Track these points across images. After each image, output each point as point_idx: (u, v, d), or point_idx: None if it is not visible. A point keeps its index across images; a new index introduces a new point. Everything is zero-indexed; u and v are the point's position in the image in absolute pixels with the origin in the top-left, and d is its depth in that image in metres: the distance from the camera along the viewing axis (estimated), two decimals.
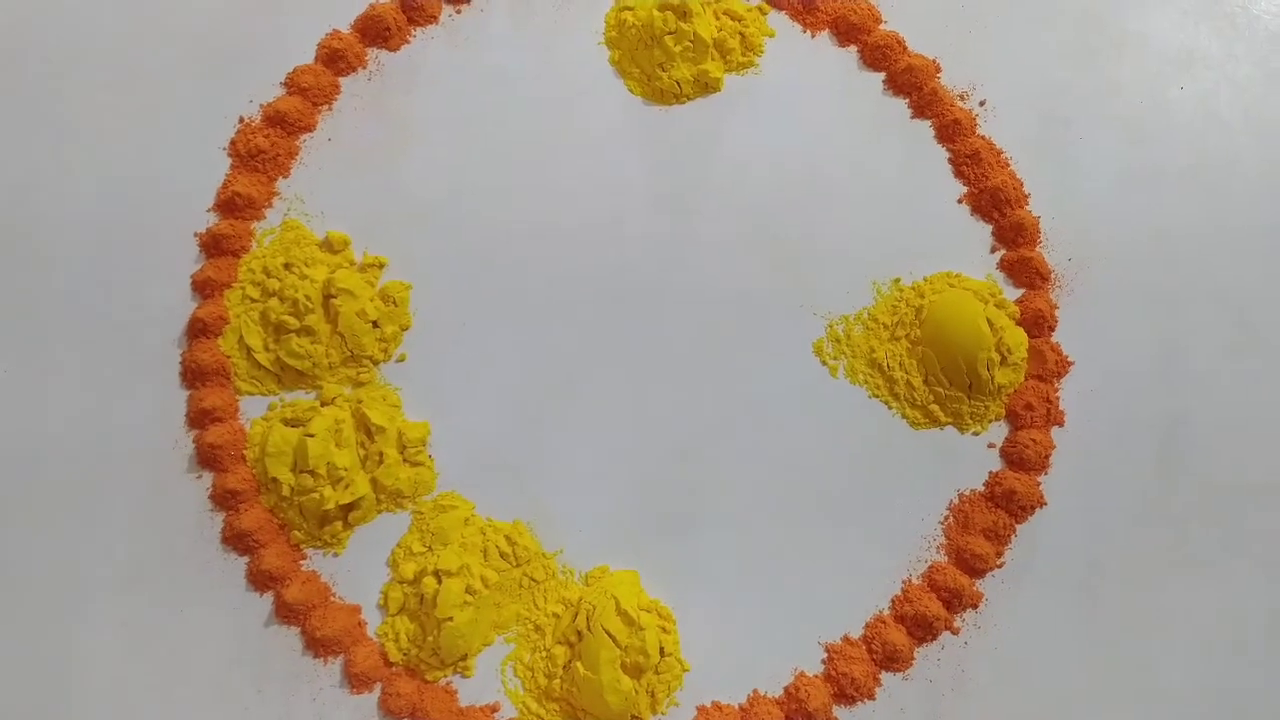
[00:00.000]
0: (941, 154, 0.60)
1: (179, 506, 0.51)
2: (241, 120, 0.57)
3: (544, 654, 0.49)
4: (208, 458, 0.51)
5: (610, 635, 0.47)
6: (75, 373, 0.53)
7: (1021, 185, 0.58)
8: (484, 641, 0.49)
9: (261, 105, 0.58)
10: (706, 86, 0.60)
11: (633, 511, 0.52)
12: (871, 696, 0.49)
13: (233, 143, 0.57)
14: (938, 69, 0.61)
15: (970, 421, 0.54)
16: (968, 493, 0.53)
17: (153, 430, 0.52)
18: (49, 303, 0.54)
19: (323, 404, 0.52)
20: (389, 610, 0.50)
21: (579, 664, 0.47)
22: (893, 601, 0.51)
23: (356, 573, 0.51)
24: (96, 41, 0.59)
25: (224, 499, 0.51)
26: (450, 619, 0.48)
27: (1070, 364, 0.55)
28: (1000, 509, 0.52)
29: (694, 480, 0.52)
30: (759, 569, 0.51)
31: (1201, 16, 0.64)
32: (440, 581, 0.49)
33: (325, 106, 0.59)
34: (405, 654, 0.49)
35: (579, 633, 0.48)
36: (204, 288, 0.54)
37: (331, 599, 0.50)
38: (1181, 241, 0.58)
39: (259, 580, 0.50)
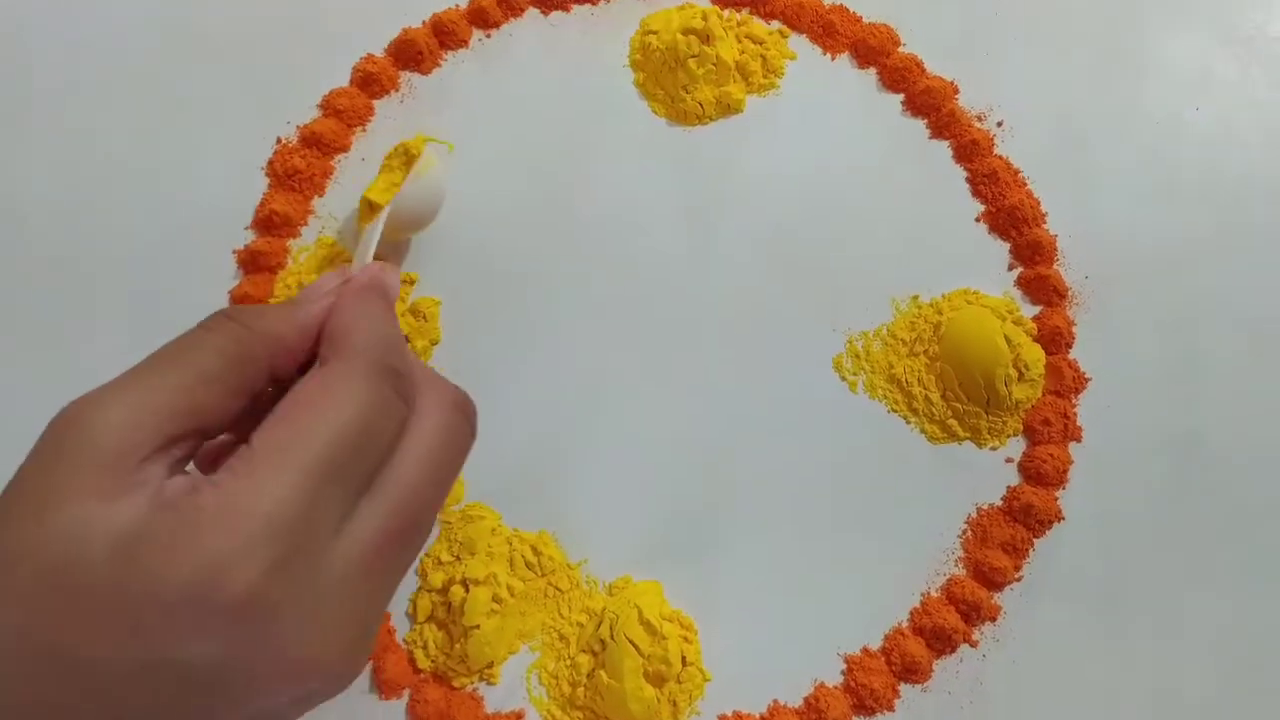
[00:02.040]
0: (959, 173, 0.61)
1: None
2: (279, 141, 0.59)
3: (568, 662, 0.50)
4: None
5: (633, 644, 0.48)
6: None
7: (1039, 204, 0.59)
8: (509, 649, 0.50)
9: (298, 127, 0.60)
10: (729, 108, 0.61)
11: (655, 523, 0.53)
12: (890, 708, 0.50)
13: (270, 163, 0.59)
14: (956, 90, 0.62)
15: (988, 436, 0.55)
16: (986, 507, 0.54)
17: None
18: (91, 316, 0.56)
19: None
20: (417, 618, 0.51)
21: (602, 672, 0.48)
22: (911, 614, 0.52)
23: None
24: (143, 67, 0.61)
25: None
26: (477, 627, 0.49)
27: (1087, 380, 0.56)
28: (1018, 523, 0.53)
29: (716, 493, 0.53)
30: (779, 580, 0.52)
31: (1218, 39, 0.65)
32: (467, 590, 0.50)
33: (359, 128, 0.60)
34: (433, 661, 0.50)
35: (602, 641, 0.49)
36: (242, 303, 0.56)
37: None
38: (1199, 259, 0.59)
39: None
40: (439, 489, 0.30)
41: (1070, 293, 0.58)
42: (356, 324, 0.31)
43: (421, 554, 0.52)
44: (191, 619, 0.24)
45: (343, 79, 0.61)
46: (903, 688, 0.50)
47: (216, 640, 0.24)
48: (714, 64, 0.60)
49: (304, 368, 0.32)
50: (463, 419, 0.32)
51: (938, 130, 0.62)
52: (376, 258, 0.42)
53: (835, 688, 0.50)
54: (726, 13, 0.63)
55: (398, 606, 0.51)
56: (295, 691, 0.26)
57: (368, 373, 0.29)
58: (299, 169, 0.58)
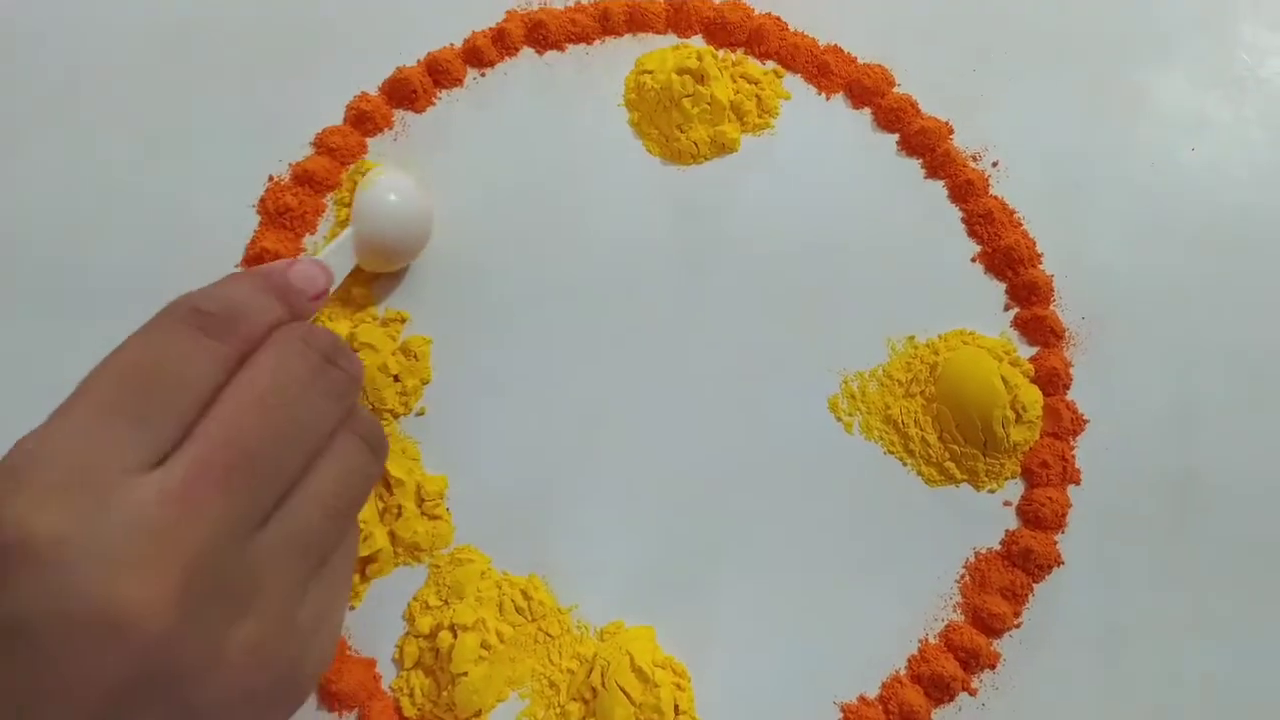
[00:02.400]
0: (955, 214, 0.61)
1: None
2: (271, 179, 0.59)
3: (558, 710, 0.49)
4: None
5: (625, 692, 0.47)
6: None
7: (1034, 244, 0.59)
8: (498, 697, 0.49)
9: (291, 165, 0.60)
10: (723, 147, 0.61)
11: (648, 568, 0.52)
12: None
13: (262, 201, 0.58)
14: (950, 131, 0.62)
15: (986, 479, 0.54)
16: (984, 551, 0.53)
17: None
18: (83, 354, 0.55)
19: None
20: (404, 664, 0.50)
21: None
22: (909, 661, 0.51)
23: (372, 626, 0.51)
24: (130, 103, 0.61)
25: None
26: (465, 674, 0.48)
27: (1086, 422, 0.55)
28: (1017, 568, 0.52)
29: (709, 537, 0.53)
30: (774, 626, 0.51)
31: (1211, 81, 0.65)
32: (455, 635, 0.49)
33: (352, 165, 0.60)
34: (420, 709, 0.49)
35: (594, 689, 0.48)
36: None
37: (347, 652, 0.50)
38: (1195, 299, 0.59)
39: None
40: (268, 421, 0.28)
41: (1067, 333, 0.57)
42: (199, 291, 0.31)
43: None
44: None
45: (336, 117, 0.61)
46: None
47: (7, 587, 0.23)
48: (709, 104, 0.60)
49: None
50: (302, 348, 0.31)
51: (933, 170, 0.62)
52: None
53: None
54: (721, 53, 0.64)
55: (385, 652, 0.50)
56: (120, 649, 0.24)
57: (167, 316, 0.29)
58: (290, 207, 0.58)
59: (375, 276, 0.57)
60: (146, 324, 0.29)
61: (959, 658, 0.50)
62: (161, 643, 0.24)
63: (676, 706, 0.48)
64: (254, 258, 0.57)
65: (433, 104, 0.62)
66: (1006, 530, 0.53)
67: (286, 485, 0.29)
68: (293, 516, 0.29)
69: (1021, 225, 0.60)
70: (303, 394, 0.30)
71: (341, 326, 0.55)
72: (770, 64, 0.65)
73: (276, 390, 0.29)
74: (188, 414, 0.27)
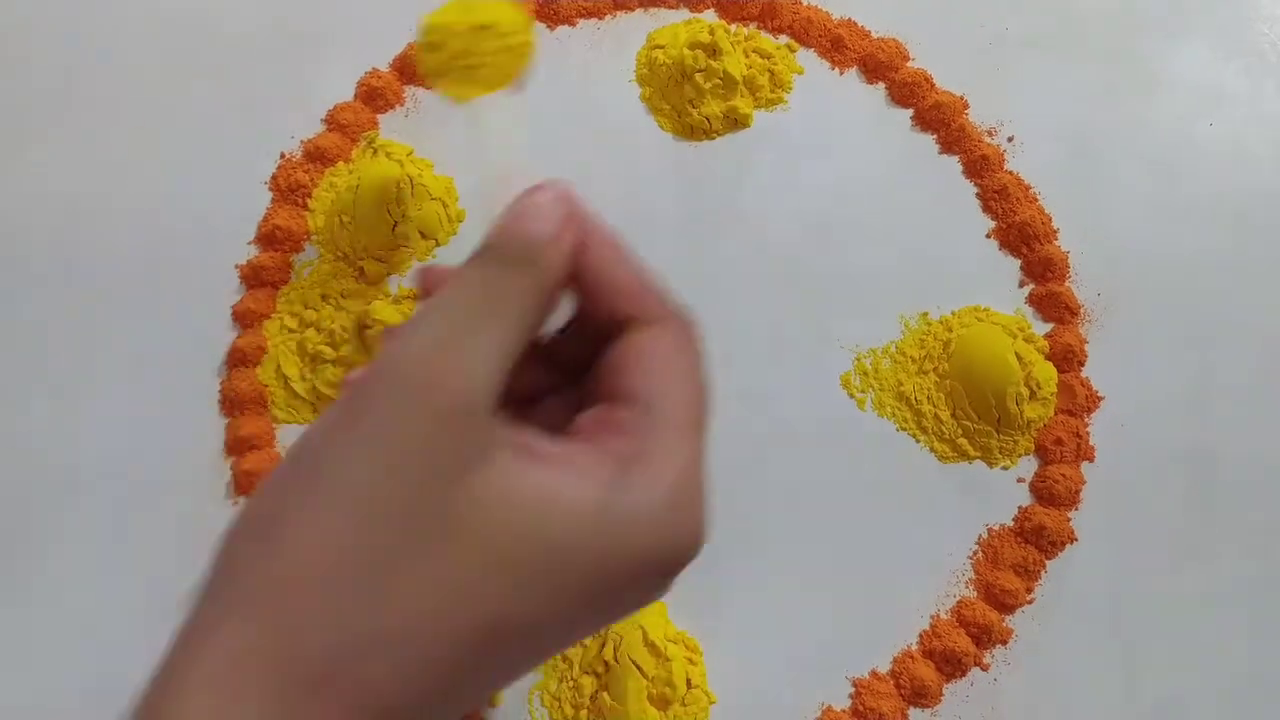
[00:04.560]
0: (969, 189, 0.60)
1: (215, 532, 0.51)
2: (283, 156, 0.59)
3: (571, 684, 0.49)
4: (244, 485, 0.52)
5: (637, 666, 0.47)
6: (116, 399, 0.54)
7: (1050, 220, 0.58)
8: None
9: (302, 141, 0.60)
10: (736, 122, 0.61)
11: None
12: None
13: (274, 177, 0.59)
14: (966, 105, 0.62)
15: (999, 456, 0.54)
16: (997, 527, 0.53)
17: (191, 457, 0.53)
18: (92, 331, 0.56)
19: None
20: None
21: (606, 695, 0.48)
22: (921, 636, 0.51)
23: None
24: (144, 80, 0.61)
25: None
26: None
27: (1100, 399, 0.55)
28: (1030, 544, 0.52)
29: (721, 512, 0.52)
30: (786, 602, 0.51)
31: (1231, 53, 0.64)
32: None
33: (361, 139, 0.60)
34: None
35: (606, 663, 0.48)
36: (244, 318, 0.55)
37: None
38: (1212, 275, 0.58)
39: None
40: None
41: (1082, 310, 0.57)
42: (649, 283, 0.30)
43: None
44: (655, 585, 0.26)
45: (347, 93, 0.61)
46: (912, 712, 0.49)
47: (663, 589, 0.27)
48: (721, 79, 0.60)
49: None
50: None
51: (947, 145, 0.61)
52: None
53: (842, 712, 0.49)
54: (734, 27, 0.63)
55: None
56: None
57: (696, 335, 0.31)
58: (302, 183, 0.58)
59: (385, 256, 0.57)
60: (694, 342, 0.30)
61: (971, 633, 0.50)
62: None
63: (689, 680, 0.48)
64: (266, 235, 0.57)
65: None
66: (1020, 507, 0.53)
67: None
68: None
69: (1037, 200, 0.59)
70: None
71: (354, 304, 0.55)
72: (783, 38, 0.64)
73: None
74: None
